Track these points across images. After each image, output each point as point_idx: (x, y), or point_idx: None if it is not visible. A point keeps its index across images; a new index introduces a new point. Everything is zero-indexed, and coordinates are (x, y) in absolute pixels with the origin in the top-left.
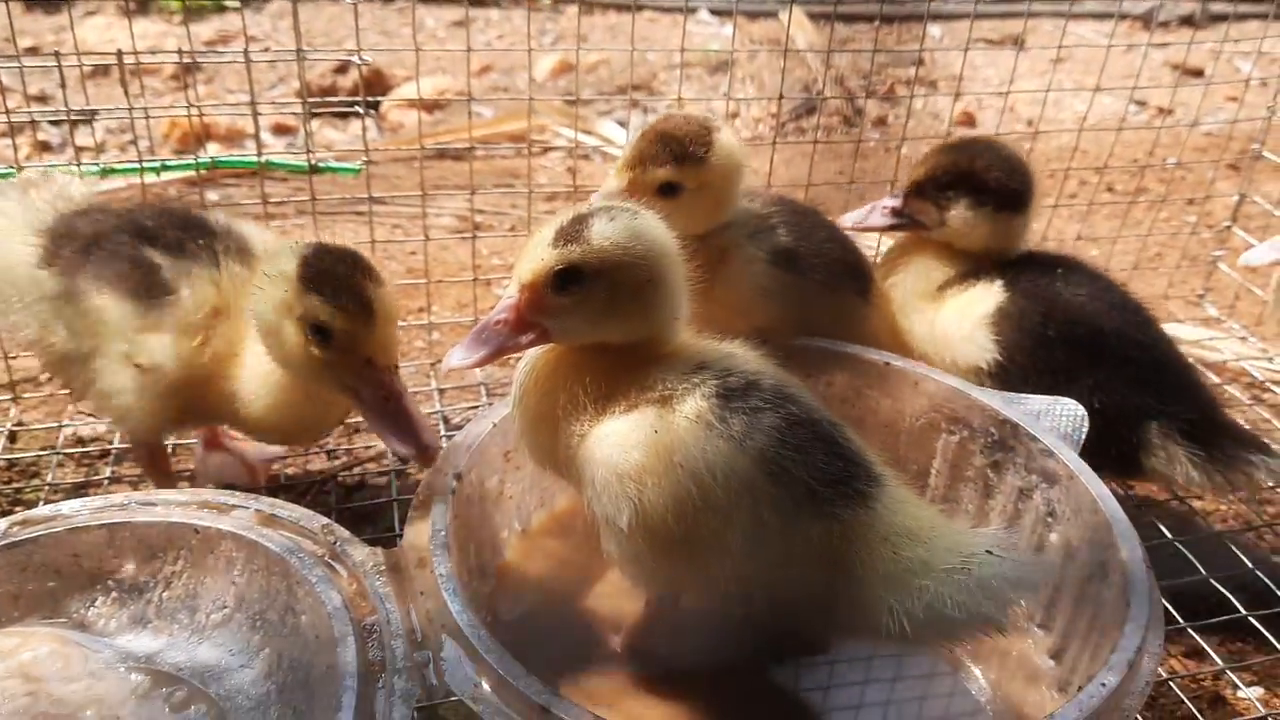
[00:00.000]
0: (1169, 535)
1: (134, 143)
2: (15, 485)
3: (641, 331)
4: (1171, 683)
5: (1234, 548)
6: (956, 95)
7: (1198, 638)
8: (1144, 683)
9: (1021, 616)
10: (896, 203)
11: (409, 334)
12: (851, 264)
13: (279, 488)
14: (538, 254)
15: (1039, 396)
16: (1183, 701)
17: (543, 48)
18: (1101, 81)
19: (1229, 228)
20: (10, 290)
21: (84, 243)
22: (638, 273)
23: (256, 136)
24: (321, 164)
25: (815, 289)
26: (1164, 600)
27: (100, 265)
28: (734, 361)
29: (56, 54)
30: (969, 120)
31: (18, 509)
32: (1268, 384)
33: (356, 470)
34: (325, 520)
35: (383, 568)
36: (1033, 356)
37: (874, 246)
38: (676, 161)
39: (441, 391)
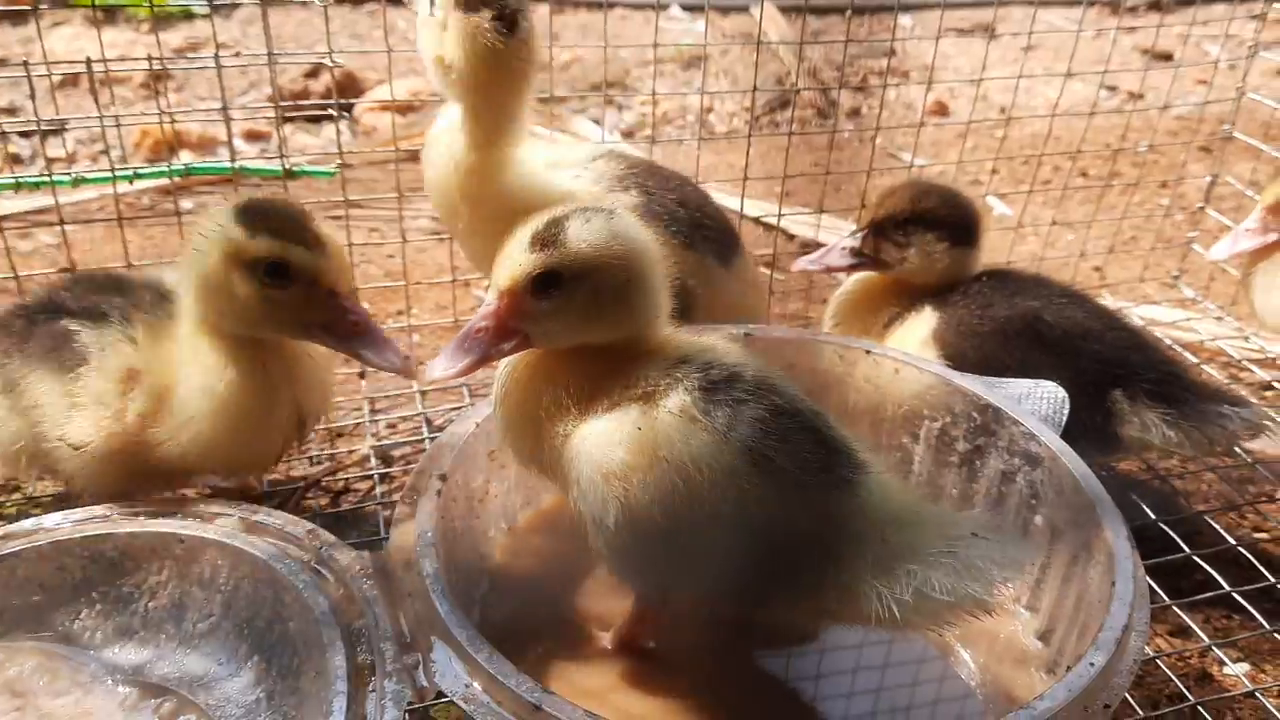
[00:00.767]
0: (1152, 515)
1: (105, 152)
2: None
3: (624, 331)
4: (1158, 660)
5: (1217, 526)
6: (929, 84)
7: (1184, 615)
8: (1131, 661)
9: (1008, 599)
10: (855, 243)
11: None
12: (712, 229)
13: (262, 494)
14: (515, 259)
15: (1019, 380)
16: (1170, 679)
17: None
18: (1072, 67)
19: (1202, 209)
20: None
21: (18, 328)
22: (616, 273)
23: (229, 143)
24: (296, 168)
25: (667, 248)
26: (1149, 579)
27: (31, 345)
28: (715, 354)
29: (25, 64)
30: (942, 109)
31: None
32: (1245, 363)
33: (340, 475)
34: (310, 525)
35: (369, 571)
36: (979, 355)
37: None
38: None
39: (423, 393)
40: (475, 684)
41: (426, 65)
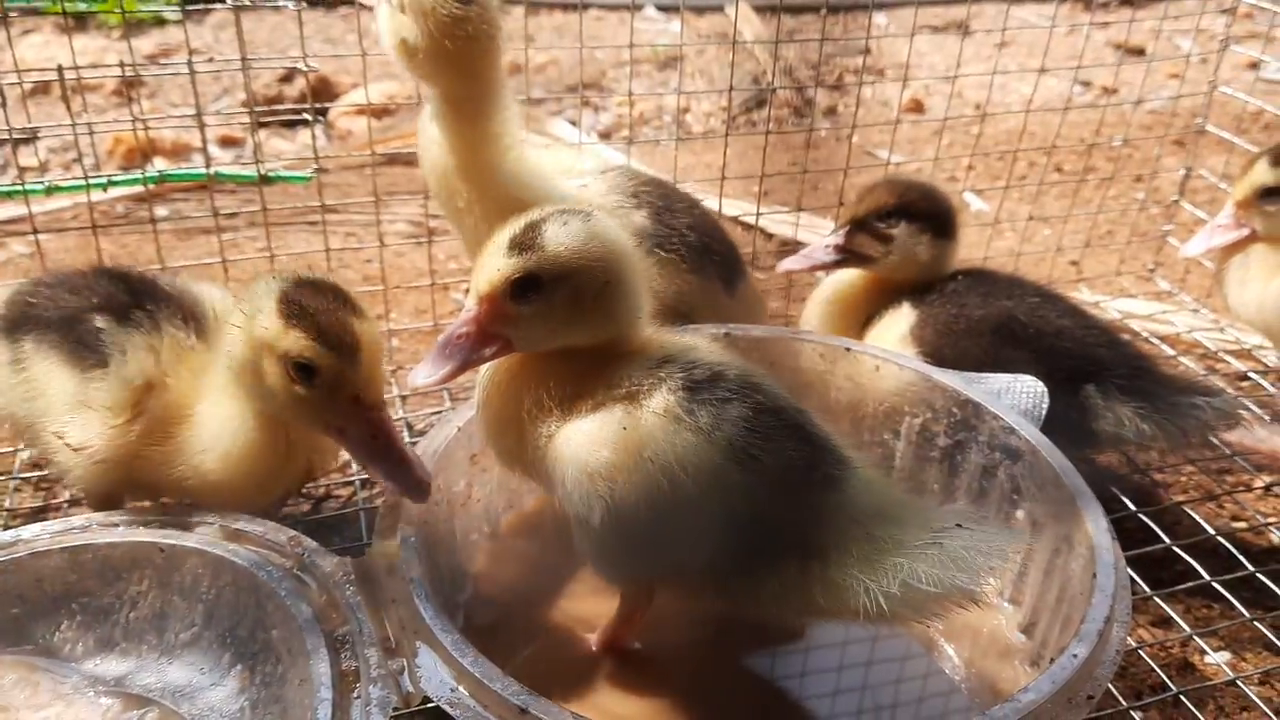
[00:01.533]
0: (1132, 507)
1: (78, 160)
2: None
3: (605, 333)
4: (1140, 651)
5: (1196, 516)
6: (904, 82)
7: (1165, 606)
8: (1114, 651)
9: (992, 592)
10: (839, 240)
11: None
12: (719, 254)
13: None
14: (493, 264)
15: (999, 375)
16: (1153, 669)
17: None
18: (1046, 63)
19: (1176, 202)
20: None
21: (43, 312)
22: (595, 275)
23: (204, 149)
24: (271, 174)
25: (674, 269)
26: (1130, 570)
27: (49, 332)
28: (698, 354)
29: None
30: (918, 107)
31: None
32: (1220, 354)
33: (321, 481)
34: (292, 532)
35: (352, 577)
36: (955, 352)
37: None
38: None
39: (404, 398)
40: (461, 688)
41: (390, 53)
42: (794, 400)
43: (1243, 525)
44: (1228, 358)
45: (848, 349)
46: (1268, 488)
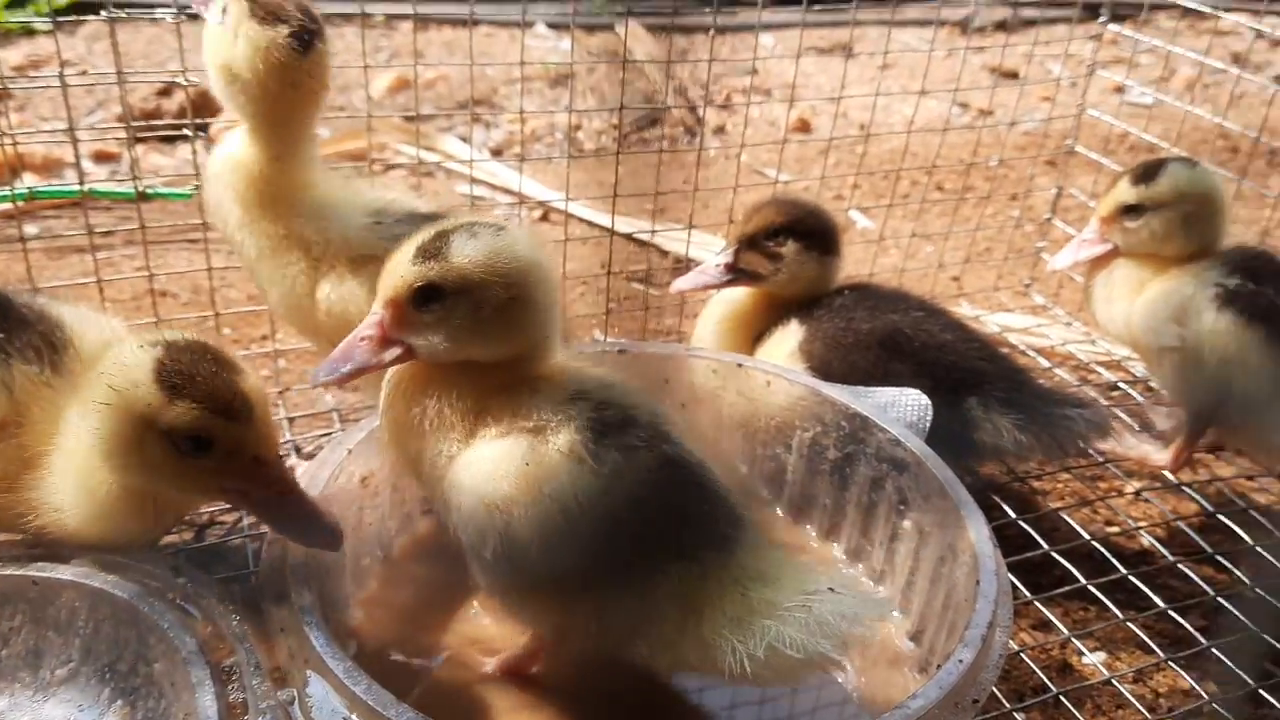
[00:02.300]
0: (1012, 514)
1: None
2: None
3: (507, 351)
4: (1023, 654)
5: (1072, 522)
6: (790, 102)
7: (1044, 609)
8: (997, 656)
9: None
10: (729, 259)
11: (254, 362)
12: None
13: None
14: (398, 270)
15: (885, 389)
16: (1034, 671)
17: (378, 64)
18: (925, 85)
19: (1049, 220)
20: None
21: None
22: (497, 291)
23: (77, 165)
24: (149, 190)
25: None
26: (1011, 575)
27: None
28: (611, 393)
29: None
30: (805, 126)
31: None
32: (1092, 365)
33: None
34: (174, 562)
35: (239, 607)
36: (843, 366)
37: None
38: None
39: (291, 420)
40: (354, 717)
41: (210, 73)
42: (699, 454)
43: (1115, 529)
44: (1099, 369)
45: (740, 365)
46: (1138, 493)
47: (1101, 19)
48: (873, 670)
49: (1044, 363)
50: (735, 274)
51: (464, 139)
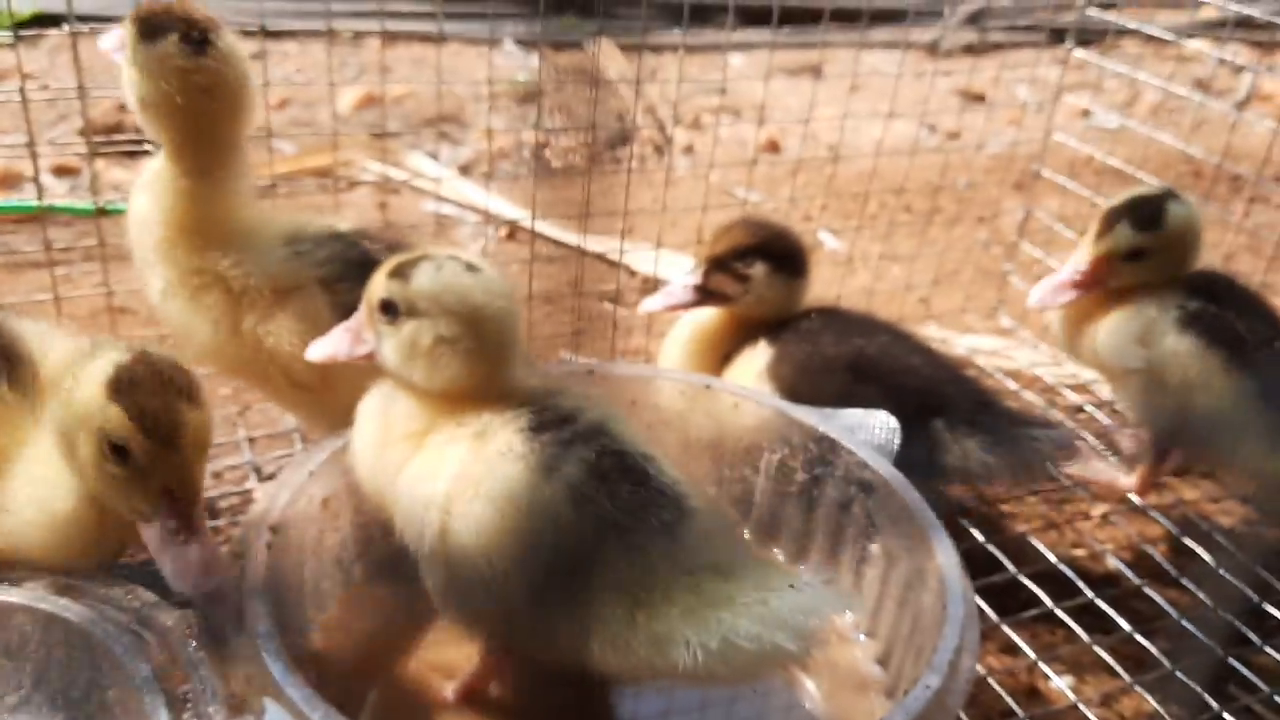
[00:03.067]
0: (980, 537)
1: None
2: None
3: (446, 383)
4: (990, 679)
5: (1040, 545)
6: (760, 123)
7: (1012, 633)
8: (965, 680)
9: (849, 627)
10: (697, 279)
11: (213, 381)
12: None
13: None
14: (377, 276)
15: (853, 410)
16: (1001, 696)
17: (345, 80)
18: (894, 108)
19: (1016, 244)
20: None
21: None
22: (442, 327)
23: (36, 179)
24: (109, 206)
25: None
26: (978, 599)
27: None
28: (559, 399)
29: None
30: (774, 147)
31: None
32: (1059, 387)
33: None
34: (129, 585)
35: (195, 631)
36: (810, 389)
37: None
38: None
39: (251, 440)
40: None
41: (135, 112)
42: (645, 446)
43: (1082, 552)
44: (1065, 391)
45: (707, 386)
46: (1104, 516)
47: (1067, 45)
48: (840, 695)
49: (1011, 385)
50: (703, 295)
51: (432, 155)
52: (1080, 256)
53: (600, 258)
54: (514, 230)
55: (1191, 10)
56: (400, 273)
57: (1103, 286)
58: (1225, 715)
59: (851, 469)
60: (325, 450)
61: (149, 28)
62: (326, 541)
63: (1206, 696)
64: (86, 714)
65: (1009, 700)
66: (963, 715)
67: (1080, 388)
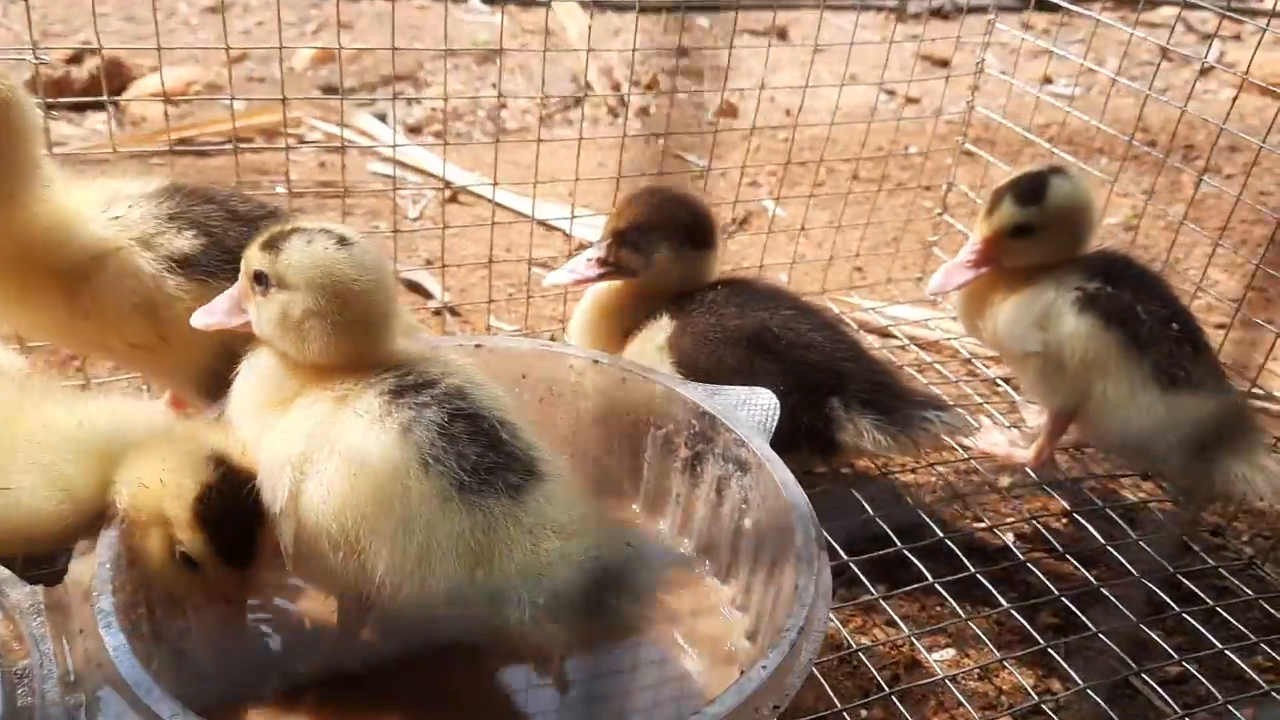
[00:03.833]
0: (870, 511)
1: None
2: None
3: (312, 356)
4: (874, 650)
5: (943, 518)
6: (723, 88)
7: (899, 606)
8: (805, 661)
9: (725, 601)
10: (601, 253)
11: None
12: None
13: None
14: (250, 249)
15: (737, 388)
16: (884, 667)
17: (306, 35)
18: (856, 72)
19: (941, 215)
20: None
21: None
22: (309, 301)
23: None
24: None
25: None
26: (869, 572)
27: None
28: (425, 365)
29: None
30: (731, 111)
31: None
32: (974, 360)
33: None
34: None
35: (43, 606)
36: (710, 362)
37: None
38: None
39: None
40: None
41: None
42: (505, 411)
43: (981, 526)
44: (980, 365)
45: (595, 361)
46: (1009, 489)
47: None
48: (716, 668)
49: (927, 357)
50: (607, 269)
51: (381, 117)
52: (974, 237)
53: (546, 225)
54: (455, 193)
55: None
56: (272, 245)
57: (996, 265)
58: (1090, 693)
59: (730, 446)
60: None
61: None
62: None
63: (1074, 673)
64: None
65: (889, 671)
66: (839, 687)
67: (996, 360)
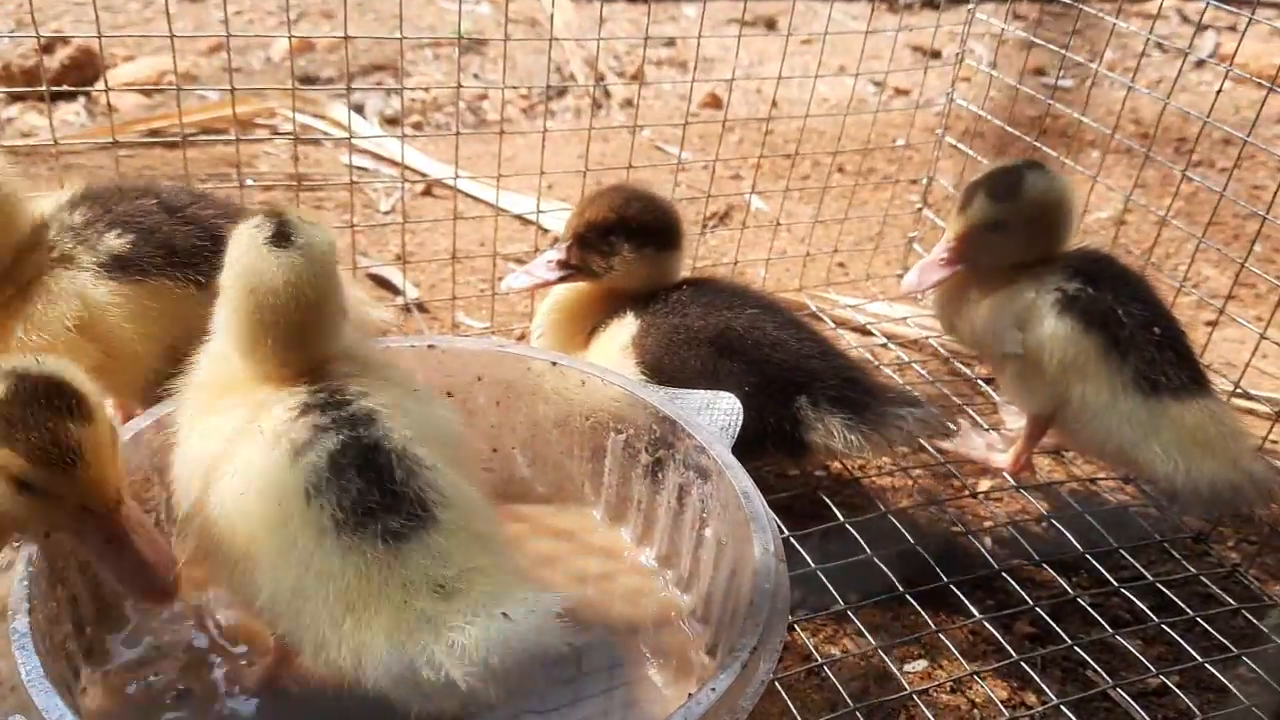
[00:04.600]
0: (840, 517)
1: None
2: None
3: (243, 351)
4: (842, 661)
5: (917, 524)
6: (694, 75)
7: (871, 616)
8: (759, 683)
9: (684, 613)
10: (561, 255)
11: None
12: None
13: None
14: None
15: (699, 392)
16: (853, 679)
17: (285, 23)
18: (845, 63)
19: (920, 210)
20: None
21: None
22: (240, 298)
23: None
24: None
25: (170, 296)
26: (835, 579)
27: None
28: (345, 380)
29: None
30: (715, 102)
31: None
32: (954, 359)
33: None
34: None
35: None
36: (674, 363)
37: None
38: None
39: None
40: None
41: None
42: (416, 443)
43: (959, 530)
44: (959, 364)
45: (554, 363)
46: (986, 493)
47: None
48: (679, 681)
49: (906, 356)
50: (567, 271)
51: (358, 107)
52: (947, 234)
53: (522, 219)
54: (429, 186)
55: None
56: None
57: (970, 262)
58: (1062, 708)
59: (690, 453)
60: (130, 431)
61: None
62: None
63: (1045, 687)
64: None
65: (858, 684)
66: (809, 701)
67: (977, 360)
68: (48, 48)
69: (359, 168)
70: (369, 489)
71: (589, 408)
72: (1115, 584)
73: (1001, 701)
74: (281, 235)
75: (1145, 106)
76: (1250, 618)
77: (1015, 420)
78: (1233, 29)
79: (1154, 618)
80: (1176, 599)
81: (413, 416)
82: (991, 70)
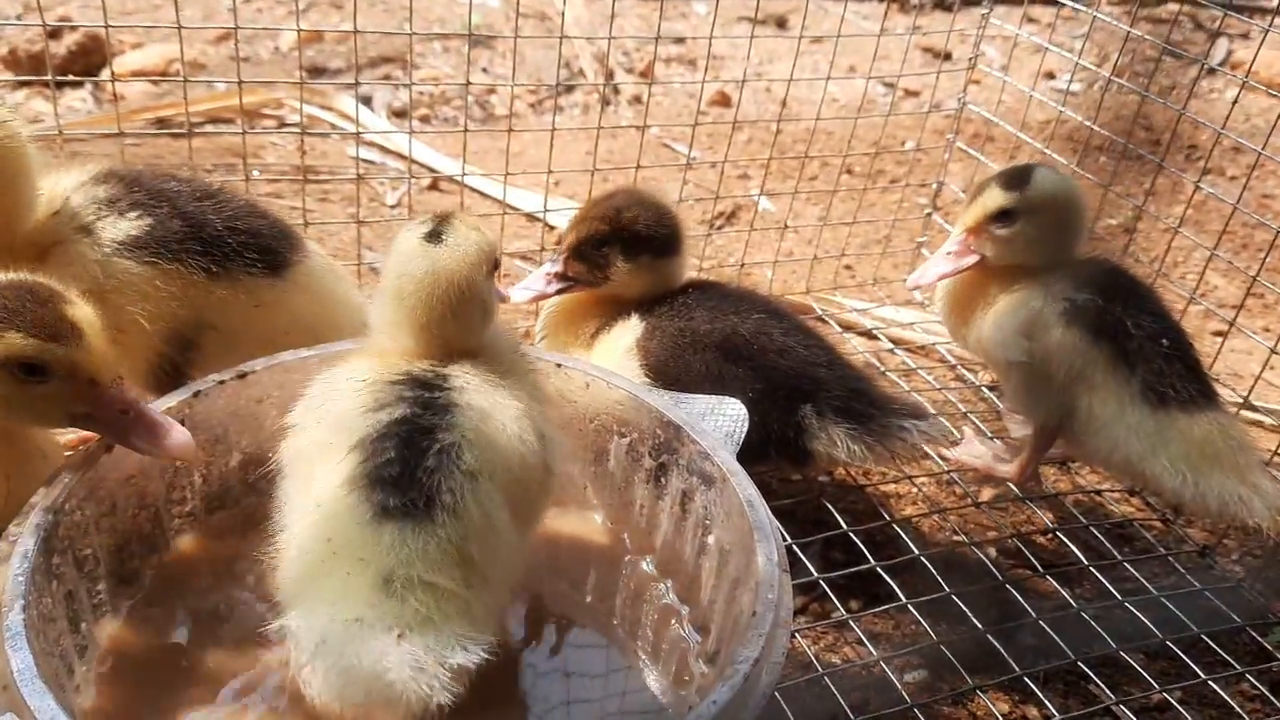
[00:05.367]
0: (844, 525)
1: None
2: None
3: (382, 329)
4: (843, 671)
5: (920, 532)
6: (704, 76)
7: (873, 625)
8: (761, 695)
9: (684, 620)
10: (558, 267)
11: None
12: (247, 232)
13: None
14: None
15: (704, 397)
16: (853, 689)
17: (294, 14)
18: (855, 63)
19: (929, 215)
20: None
21: None
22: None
23: None
24: None
25: (184, 280)
26: (834, 588)
27: None
28: (461, 373)
29: None
30: (725, 100)
31: None
32: (960, 365)
33: None
34: None
35: None
36: (678, 366)
37: None
38: None
39: None
40: None
41: None
42: (470, 449)
43: (961, 540)
44: (966, 372)
45: (559, 365)
46: (990, 503)
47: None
48: (679, 687)
49: (912, 362)
50: (565, 283)
51: (366, 100)
52: (956, 229)
53: (530, 216)
54: (436, 181)
55: None
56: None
57: (977, 258)
58: None
59: (694, 459)
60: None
61: None
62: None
63: (1047, 701)
64: None
65: (859, 694)
66: (809, 710)
67: (983, 366)
68: (54, 34)
69: (366, 161)
70: (394, 461)
71: (593, 411)
72: (1119, 597)
73: (1003, 715)
74: (436, 233)
75: (1156, 112)
76: (1255, 634)
77: (1019, 429)
78: (1245, 36)
79: (1158, 633)
80: (1180, 613)
81: (491, 426)
82: (1006, 75)
